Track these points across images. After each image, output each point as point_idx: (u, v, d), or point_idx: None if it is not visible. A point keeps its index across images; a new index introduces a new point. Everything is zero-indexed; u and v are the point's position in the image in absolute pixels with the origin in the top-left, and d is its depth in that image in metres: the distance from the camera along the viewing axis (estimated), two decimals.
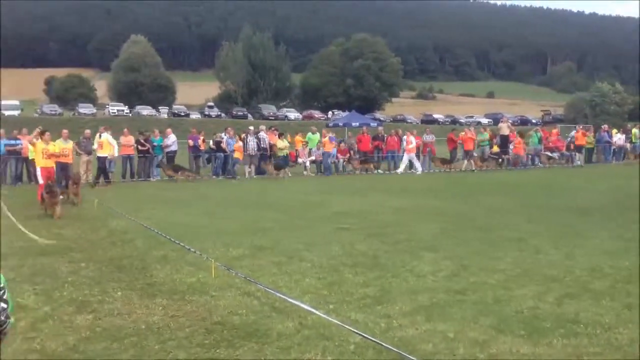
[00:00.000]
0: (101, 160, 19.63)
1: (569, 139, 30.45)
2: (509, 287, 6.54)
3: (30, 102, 78.25)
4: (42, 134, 14.45)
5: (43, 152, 14.10)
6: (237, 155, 22.24)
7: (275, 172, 22.22)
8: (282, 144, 23.85)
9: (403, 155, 24.49)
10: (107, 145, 19.74)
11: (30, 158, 17.53)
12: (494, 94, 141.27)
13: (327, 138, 23.93)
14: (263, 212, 12.88)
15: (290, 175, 22.74)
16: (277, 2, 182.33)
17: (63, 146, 16.04)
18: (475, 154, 26.00)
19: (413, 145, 24.02)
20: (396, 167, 24.81)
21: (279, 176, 22.04)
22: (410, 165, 24.36)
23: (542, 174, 23.51)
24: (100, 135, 20.09)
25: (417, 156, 24.92)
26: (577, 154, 28.26)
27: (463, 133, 26.76)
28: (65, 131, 17.08)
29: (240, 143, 22.48)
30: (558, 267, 7.43)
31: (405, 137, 24.65)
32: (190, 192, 17.32)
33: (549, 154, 28.22)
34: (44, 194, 12.54)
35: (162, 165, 21.61)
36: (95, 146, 19.93)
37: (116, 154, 20.46)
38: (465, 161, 25.72)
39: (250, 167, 22.55)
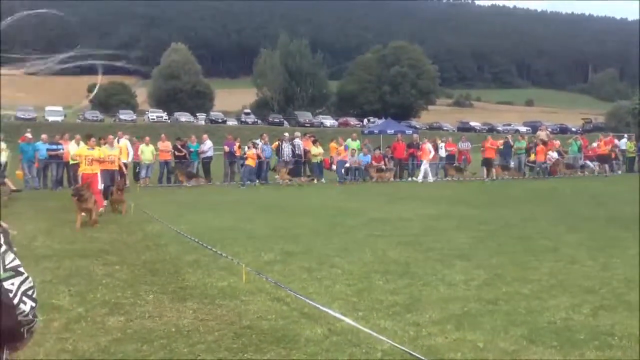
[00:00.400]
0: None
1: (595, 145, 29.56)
2: (542, 298, 6.41)
3: (73, 108, 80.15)
4: (87, 138, 14.28)
5: (86, 158, 13.57)
6: (250, 162, 21.68)
7: (307, 179, 22.19)
8: (316, 150, 23.91)
9: (421, 163, 24.11)
10: (125, 151, 19.33)
11: (71, 163, 17.76)
12: (533, 102, 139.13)
13: (342, 147, 23.77)
14: (295, 217, 12.92)
15: (303, 182, 22.58)
16: (314, 9, 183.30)
17: (108, 152, 15.32)
18: (496, 163, 25.48)
19: (432, 154, 23.78)
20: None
21: (312, 181, 22.03)
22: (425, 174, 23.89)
23: (579, 183, 23.01)
24: (118, 141, 19.50)
25: (452, 163, 24.69)
26: (597, 163, 27.64)
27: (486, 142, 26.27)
28: (110, 137, 16.90)
29: (254, 150, 21.96)
30: (593, 278, 7.25)
31: (427, 145, 24.29)
32: (224, 197, 17.49)
33: (588, 162, 27.65)
34: (72, 197, 11.72)
35: (176, 170, 21.69)
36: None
37: (130, 160, 20.21)
38: (484, 170, 25.12)
39: (285, 173, 22.65)
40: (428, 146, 23.91)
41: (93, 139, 14.23)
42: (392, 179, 24.23)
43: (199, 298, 6.40)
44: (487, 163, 25.16)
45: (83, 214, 11.63)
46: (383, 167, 24.41)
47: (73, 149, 18.18)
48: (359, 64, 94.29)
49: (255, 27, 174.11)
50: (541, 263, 8.12)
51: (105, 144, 16.07)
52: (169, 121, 65.19)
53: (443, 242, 9.79)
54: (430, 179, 23.62)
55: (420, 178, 23.64)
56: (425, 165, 23.74)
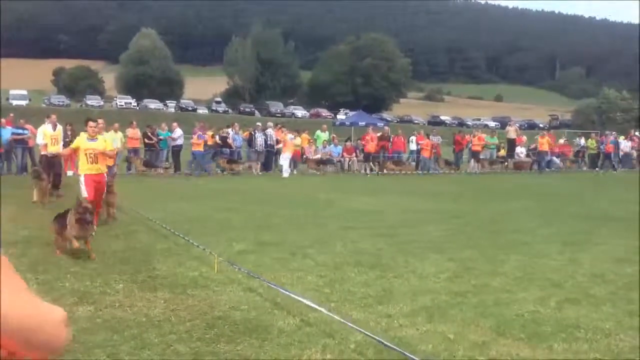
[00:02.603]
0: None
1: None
2: (511, 291, 6.53)
3: (38, 93, 78.54)
4: (86, 123, 9.91)
5: (87, 153, 9.58)
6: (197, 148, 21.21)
7: (229, 167, 21.91)
8: (296, 141, 23.81)
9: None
10: (110, 143, 17.38)
11: (43, 153, 15.01)
12: (502, 98, 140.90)
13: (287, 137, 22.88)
14: (268, 208, 12.90)
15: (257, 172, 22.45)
16: (290, 1, 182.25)
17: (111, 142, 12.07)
18: (482, 157, 25.99)
19: (293, 146, 22.73)
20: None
21: (233, 172, 21.65)
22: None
23: (547, 179, 23.44)
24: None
25: (422, 157, 25.01)
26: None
27: (472, 136, 26.73)
28: (101, 121, 12.31)
29: (201, 137, 21.39)
30: (561, 272, 7.41)
31: (288, 136, 22.80)
32: (195, 186, 17.36)
33: (554, 159, 28.21)
34: (70, 219, 7.71)
35: (131, 160, 21.14)
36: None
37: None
38: (472, 163, 25.70)
39: (257, 164, 22.58)
40: (289, 137, 22.66)
41: (95, 123, 9.85)
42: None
43: (170, 288, 6.34)
44: (475, 156, 26.00)
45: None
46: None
47: (46, 132, 14.94)
48: (332, 55, 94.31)
49: (228, 15, 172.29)
50: (510, 257, 8.26)
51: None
52: (137, 108, 64.31)
53: (415, 235, 9.89)
54: (285, 173, 21.68)
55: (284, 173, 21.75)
56: (284, 160, 22.03)
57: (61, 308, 1.18)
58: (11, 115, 21.56)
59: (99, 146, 9.64)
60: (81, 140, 9.73)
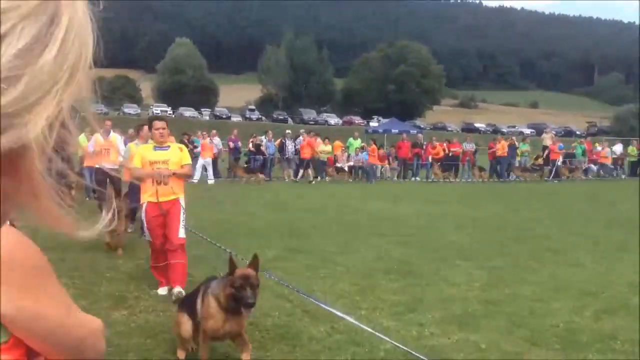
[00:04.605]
0: (101, 172, 11.96)
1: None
2: (545, 300, 6.43)
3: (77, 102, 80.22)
4: (150, 124, 6.92)
5: (153, 166, 6.47)
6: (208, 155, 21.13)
7: (247, 177, 21.43)
8: (324, 148, 23.91)
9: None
10: (115, 149, 12.62)
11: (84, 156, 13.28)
12: (538, 104, 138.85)
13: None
14: (299, 214, 12.94)
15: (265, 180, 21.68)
16: (321, 7, 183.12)
17: (101, 143, 11.98)
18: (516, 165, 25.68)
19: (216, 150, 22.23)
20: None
21: (250, 180, 21.10)
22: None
23: (584, 186, 22.99)
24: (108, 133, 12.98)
25: (457, 164, 24.83)
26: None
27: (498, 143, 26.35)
28: (108, 123, 13.08)
29: (212, 141, 21.77)
30: (596, 282, 7.26)
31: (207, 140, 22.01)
32: (229, 193, 17.51)
33: (592, 166, 27.67)
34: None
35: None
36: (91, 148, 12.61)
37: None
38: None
39: (288, 171, 22.70)
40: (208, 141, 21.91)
41: (163, 123, 6.69)
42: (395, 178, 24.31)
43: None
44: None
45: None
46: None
47: (98, 140, 12.39)
48: (365, 62, 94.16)
49: (261, 23, 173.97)
50: (543, 265, 8.13)
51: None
52: (173, 116, 65.25)
53: (444, 242, 9.81)
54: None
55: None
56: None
57: (98, 319, 1.21)
58: None
59: (172, 158, 6.47)
60: (147, 149, 6.66)
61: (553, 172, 25.85)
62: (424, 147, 25.47)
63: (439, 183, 23.43)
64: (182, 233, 6.39)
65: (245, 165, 22.45)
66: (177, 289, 6.17)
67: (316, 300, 5.68)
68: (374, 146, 24.44)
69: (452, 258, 8.48)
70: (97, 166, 12.20)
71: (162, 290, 6.45)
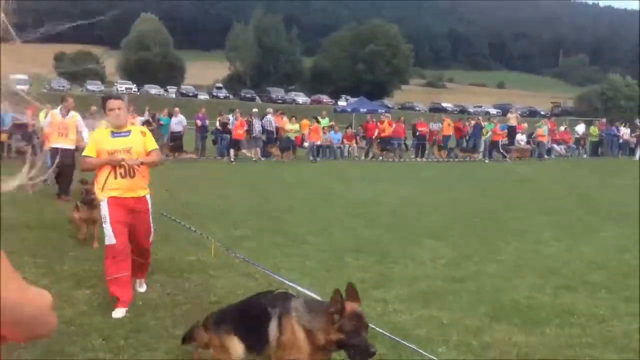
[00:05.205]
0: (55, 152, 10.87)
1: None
2: (508, 277, 6.56)
3: (38, 77, 78.28)
4: (103, 103, 5.75)
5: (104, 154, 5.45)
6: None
7: (280, 155, 22.28)
8: (291, 126, 23.85)
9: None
10: (73, 129, 11.37)
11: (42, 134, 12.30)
12: (505, 85, 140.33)
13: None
14: (268, 194, 12.91)
15: (293, 158, 22.73)
16: None
17: (59, 120, 11.03)
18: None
19: None
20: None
21: (282, 158, 22.09)
22: None
23: (549, 167, 23.43)
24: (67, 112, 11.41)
25: (424, 143, 25.05)
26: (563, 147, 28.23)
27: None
28: (71, 99, 11.73)
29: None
30: (558, 260, 7.43)
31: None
32: (196, 172, 17.36)
33: (555, 146, 28.16)
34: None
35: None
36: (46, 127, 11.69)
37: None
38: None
39: (255, 150, 22.58)
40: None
41: (120, 102, 5.60)
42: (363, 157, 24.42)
43: (167, 272, 6.37)
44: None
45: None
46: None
47: (55, 118, 11.23)
48: (334, 41, 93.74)
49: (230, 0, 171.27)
50: (509, 244, 8.28)
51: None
52: (138, 93, 64.15)
53: (415, 222, 9.92)
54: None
55: None
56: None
57: (49, 293, 1.19)
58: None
59: (135, 145, 5.38)
60: (99, 137, 5.49)
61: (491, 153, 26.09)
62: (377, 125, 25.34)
63: (393, 162, 23.61)
64: (151, 236, 5.66)
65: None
66: (142, 285, 5.80)
67: (281, 278, 5.69)
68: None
69: (420, 237, 8.58)
70: (52, 146, 11.10)
71: (119, 313, 5.06)
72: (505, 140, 26.53)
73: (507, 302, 5.67)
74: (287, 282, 5.56)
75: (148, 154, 5.46)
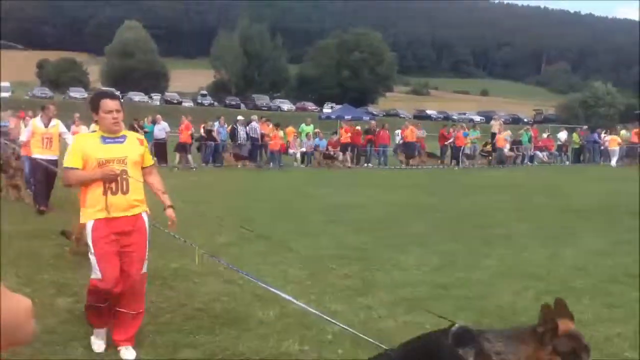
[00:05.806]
0: (36, 164, 10.79)
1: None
2: (492, 284, 6.58)
3: (21, 84, 77.59)
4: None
5: (94, 163, 4.36)
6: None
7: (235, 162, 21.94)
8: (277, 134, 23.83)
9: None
10: (56, 137, 10.97)
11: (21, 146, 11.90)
12: (488, 92, 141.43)
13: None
14: (252, 201, 12.88)
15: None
16: None
17: (42, 130, 10.72)
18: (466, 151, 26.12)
19: None
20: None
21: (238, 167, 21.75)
22: None
23: (532, 173, 23.62)
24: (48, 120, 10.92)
25: (412, 150, 25.20)
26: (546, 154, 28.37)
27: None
28: (52, 107, 11.29)
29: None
30: (541, 265, 7.48)
31: None
32: (180, 179, 17.26)
33: (537, 153, 28.44)
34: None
35: None
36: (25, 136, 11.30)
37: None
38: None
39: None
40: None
41: (105, 112, 4.41)
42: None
43: (151, 279, 6.27)
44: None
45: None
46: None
47: (37, 128, 10.79)
48: (320, 49, 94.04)
49: (215, 7, 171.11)
50: (493, 250, 8.32)
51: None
52: (122, 100, 63.71)
53: (399, 229, 9.93)
54: None
55: None
56: None
57: (28, 299, 1.18)
58: None
59: (131, 154, 4.47)
60: (87, 142, 4.43)
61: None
62: (376, 133, 25.62)
63: (393, 170, 23.67)
64: (144, 266, 4.52)
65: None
66: (129, 351, 4.35)
67: (265, 285, 5.67)
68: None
69: (405, 244, 8.58)
70: (33, 156, 10.72)
71: (97, 339, 4.47)
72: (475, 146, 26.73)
73: (492, 308, 5.69)
74: (271, 289, 5.54)
75: (147, 170, 4.70)
